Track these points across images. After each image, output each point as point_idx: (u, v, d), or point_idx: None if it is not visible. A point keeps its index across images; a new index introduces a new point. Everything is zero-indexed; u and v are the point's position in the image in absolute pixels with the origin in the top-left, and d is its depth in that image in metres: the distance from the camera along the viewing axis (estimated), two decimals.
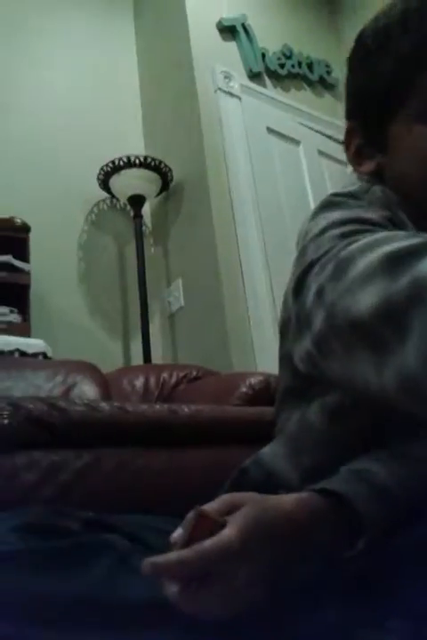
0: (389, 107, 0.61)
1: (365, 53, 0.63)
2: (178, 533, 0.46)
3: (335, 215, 0.55)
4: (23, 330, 2.21)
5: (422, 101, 0.58)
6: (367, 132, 0.65)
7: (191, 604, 0.43)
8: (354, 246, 0.47)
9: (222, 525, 0.44)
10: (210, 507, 0.47)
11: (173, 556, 0.43)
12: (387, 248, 0.43)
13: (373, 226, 0.52)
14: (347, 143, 0.67)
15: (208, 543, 0.42)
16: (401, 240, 0.43)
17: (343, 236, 0.51)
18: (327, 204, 0.59)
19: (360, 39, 0.65)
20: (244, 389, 1.42)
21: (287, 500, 0.48)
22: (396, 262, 0.41)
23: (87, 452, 1.00)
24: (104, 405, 1.10)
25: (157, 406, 1.19)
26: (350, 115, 0.67)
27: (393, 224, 0.56)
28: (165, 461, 1.03)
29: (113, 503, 0.95)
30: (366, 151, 0.65)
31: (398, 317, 0.39)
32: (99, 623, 0.45)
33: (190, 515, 0.45)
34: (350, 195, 0.60)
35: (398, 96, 0.60)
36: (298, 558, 0.46)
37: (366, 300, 0.42)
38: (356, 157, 0.66)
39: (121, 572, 0.50)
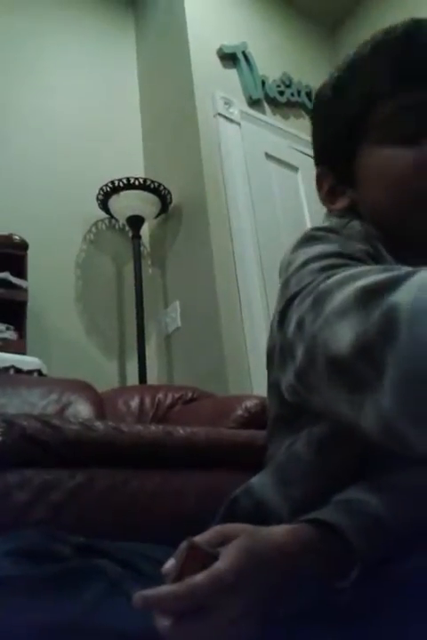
0: (351, 143, 0.65)
1: (324, 104, 0.69)
2: (170, 565, 0.45)
3: (316, 249, 0.56)
4: (19, 347, 2.20)
5: (379, 128, 0.61)
6: (336, 172, 0.68)
7: (183, 637, 0.42)
8: (332, 280, 0.48)
9: (215, 557, 0.43)
10: (202, 538, 0.46)
11: (164, 589, 0.42)
12: (362, 282, 0.44)
13: (352, 260, 0.53)
14: (319, 186, 0.70)
15: (200, 577, 0.42)
16: (376, 274, 0.44)
17: (323, 269, 0.52)
18: (308, 238, 0.60)
19: (319, 94, 0.70)
20: (240, 412, 1.41)
21: (279, 531, 0.48)
22: (370, 296, 0.42)
23: (81, 472, 1.00)
24: (99, 425, 1.09)
25: (153, 427, 1.18)
26: (319, 160, 0.71)
27: (372, 257, 0.57)
28: (159, 483, 1.02)
29: (106, 524, 0.94)
30: (338, 189, 0.68)
31: (373, 354, 0.40)
32: None
33: (182, 546, 0.44)
34: (330, 229, 0.62)
35: (357, 131, 0.64)
36: (290, 590, 0.45)
37: (343, 334, 0.43)
38: (329, 197, 0.69)
39: (112, 598, 0.50)
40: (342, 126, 0.66)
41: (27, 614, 0.45)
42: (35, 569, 0.50)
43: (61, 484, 0.95)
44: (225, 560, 0.43)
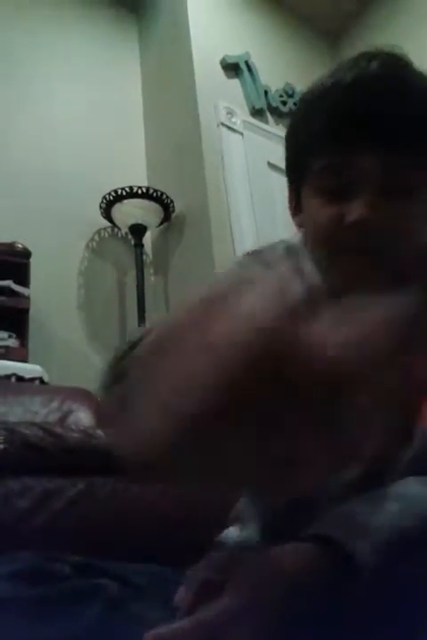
0: (297, 178, 0.69)
1: (286, 134, 0.71)
2: (182, 596, 0.47)
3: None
4: (21, 355, 2.20)
5: (312, 178, 0.64)
6: (293, 194, 0.72)
7: None
8: None
9: (224, 585, 0.45)
10: (209, 564, 0.48)
11: (176, 627, 0.43)
12: None
13: None
14: (289, 200, 0.73)
15: (209, 613, 0.43)
16: None
17: None
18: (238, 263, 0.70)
19: (295, 110, 0.72)
20: None
21: (284, 552, 0.47)
22: None
23: (82, 480, 1.00)
24: (100, 433, 1.09)
25: None
26: (287, 177, 0.74)
27: None
28: (159, 491, 1.02)
29: (107, 532, 0.94)
30: (297, 208, 0.71)
31: None
32: None
33: (194, 579, 0.46)
34: (255, 253, 0.72)
35: (300, 172, 0.67)
36: (299, 610, 0.45)
37: None
38: (292, 212, 0.73)
39: (112, 617, 0.50)
40: (292, 161, 0.70)
41: (28, 636, 0.46)
42: (34, 590, 0.51)
43: (62, 491, 0.96)
44: (233, 592, 0.44)
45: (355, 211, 0.58)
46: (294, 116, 0.70)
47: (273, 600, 0.44)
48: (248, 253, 0.73)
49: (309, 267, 0.64)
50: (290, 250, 0.70)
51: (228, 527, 0.74)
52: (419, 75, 0.65)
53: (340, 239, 0.60)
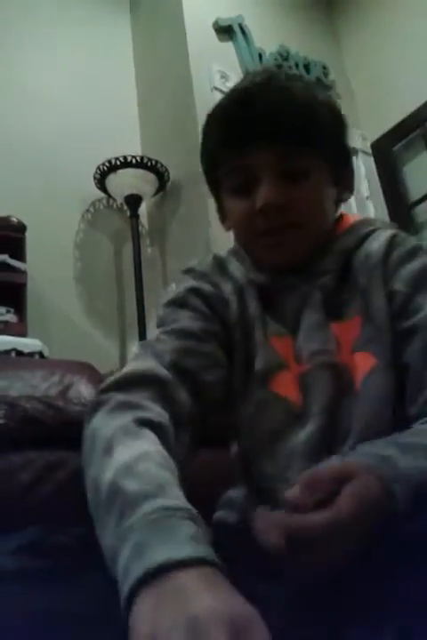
0: (215, 185, 0.82)
1: (201, 150, 0.83)
2: (294, 494, 0.48)
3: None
4: (19, 329, 2.20)
5: (223, 181, 0.78)
6: (216, 203, 0.85)
7: (289, 560, 0.46)
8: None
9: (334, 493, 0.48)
10: (324, 472, 0.50)
11: (292, 518, 0.46)
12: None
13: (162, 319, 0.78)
14: (217, 211, 0.87)
15: (320, 516, 0.46)
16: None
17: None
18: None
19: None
20: None
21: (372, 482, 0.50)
22: None
23: None
24: None
25: None
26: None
27: (197, 292, 0.79)
28: None
29: None
30: (224, 215, 0.84)
31: None
32: (99, 637, 0.46)
33: (307, 478, 0.49)
34: (188, 271, 0.85)
35: (215, 179, 0.81)
36: (375, 536, 0.49)
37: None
38: (221, 219, 0.86)
39: (117, 586, 0.51)
40: (208, 174, 0.83)
41: (36, 607, 0.47)
42: (39, 562, 0.52)
43: (65, 463, 0.96)
44: (343, 505, 0.46)
45: (259, 198, 0.72)
46: (202, 135, 0.82)
47: (369, 526, 0.48)
48: (184, 271, 0.86)
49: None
50: (217, 259, 0.85)
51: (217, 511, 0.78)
52: (296, 81, 0.79)
53: (254, 224, 0.74)
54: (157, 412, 0.62)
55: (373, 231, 0.80)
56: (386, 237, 0.77)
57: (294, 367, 0.74)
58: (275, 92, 0.74)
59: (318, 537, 0.45)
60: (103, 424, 0.62)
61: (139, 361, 0.71)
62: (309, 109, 0.74)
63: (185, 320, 0.76)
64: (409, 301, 0.71)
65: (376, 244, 0.77)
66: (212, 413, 0.73)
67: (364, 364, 0.71)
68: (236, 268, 0.82)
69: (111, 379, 0.68)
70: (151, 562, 0.41)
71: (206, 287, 0.80)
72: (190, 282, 0.81)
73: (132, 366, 0.70)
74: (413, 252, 0.75)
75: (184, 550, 0.41)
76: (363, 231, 0.80)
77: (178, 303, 0.79)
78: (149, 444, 0.56)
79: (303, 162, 0.74)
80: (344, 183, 0.82)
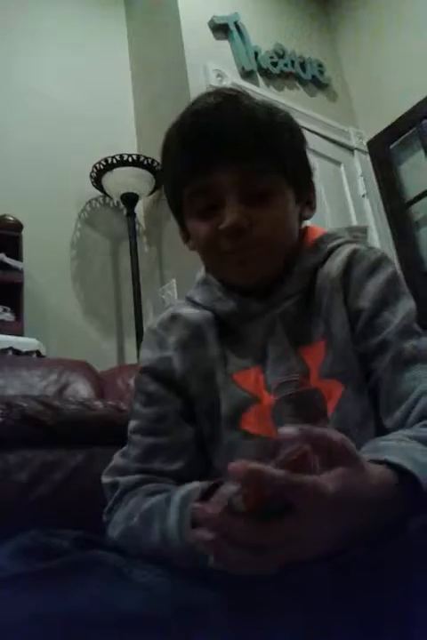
0: (177, 208, 0.82)
1: (162, 174, 0.86)
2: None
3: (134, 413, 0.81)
4: (16, 328, 2.20)
5: (185, 205, 0.78)
6: (180, 225, 0.85)
7: (260, 534, 0.43)
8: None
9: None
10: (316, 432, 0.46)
11: (270, 468, 0.43)
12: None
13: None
14: (180, 232, 0.86)
15: (309, 478, 0.43)
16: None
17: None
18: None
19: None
20: None
21: (373, 471, 0.48)
22: None
23: (81, 451, 1.01)
24: (98, 404, 1.10)
25: None
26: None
27: (146, 370, 0.80)
28: None
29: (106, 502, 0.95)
30: (186, 236, 0.84)
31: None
32: (97, 636, 0.47)
33: (296, 447, 0.44)
34: (147, 328, 0.87)
35: (177, 203, 0.80)
36: (370, 529, 0.47)
37: None
38: (184, 239, 0.86)
39: (115, 584, 0.51)
40: (169, 200, 0.84)
41: (34, 609, 0.47)
42: (36, 565, 0.52)
43: (62, 463, 0.96)
44: (331, 483, 0.44)
45: (224, 221, 0.71)
46: (162, 158, 0.83)
47: (355, 512, 0.45)
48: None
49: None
50: (172, 313, 0.84)
51: None
52: (252, 101, 0.77)
53: (219, 245, 0.74)
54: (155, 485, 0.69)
55: (337, 247, 0.79)
56: (346, 254, 0.76)
57: (267, 398, 0.73)
58: (230, 112, 0.73)
59: (296, 498, 0.43)
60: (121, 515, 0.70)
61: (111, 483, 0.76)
62: (267, 128, 0.74)
63: (141, 409, 0.79)
64: (376, 316, 0.70)
65: (336, 262, 0.76)
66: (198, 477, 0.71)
67: (332, 392, 0.70)
68: (189, 311, 0.83)
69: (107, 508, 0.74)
70: None
71: (152, 358, 0.81)
72: (142, 352, 0.84)
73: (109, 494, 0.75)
74: (375, 267, 0.74)
75: None
76: (327, 247, 0.79)
77: (136, 386, 0.83)
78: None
79: (265, 181, 0.74)
80: (307, 201, 0.82)
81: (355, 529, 0.46)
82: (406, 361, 0.66)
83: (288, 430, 0.44)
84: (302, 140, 0.81)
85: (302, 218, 0.81)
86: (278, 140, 0.75)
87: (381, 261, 0.75)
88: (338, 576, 0.51)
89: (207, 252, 0.79)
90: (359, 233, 0.84)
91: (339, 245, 0.79)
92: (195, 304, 0.84)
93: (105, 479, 0.76)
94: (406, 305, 0.71)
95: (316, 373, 0.72)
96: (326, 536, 0.44)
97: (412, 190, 3.16)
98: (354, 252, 0.76)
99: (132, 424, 0.79)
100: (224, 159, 0.71)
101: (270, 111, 0.77)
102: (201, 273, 0.89)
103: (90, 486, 0.98)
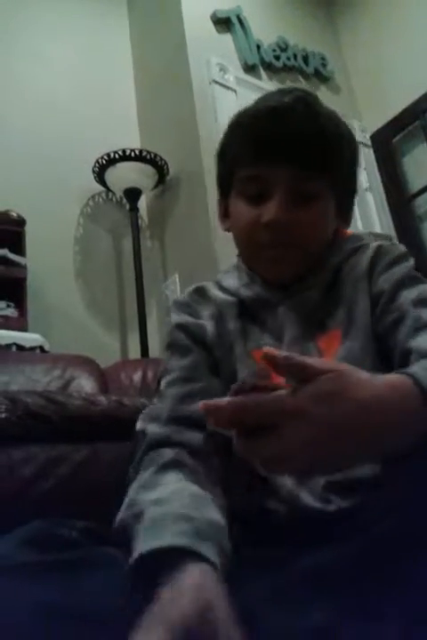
0: (226, 186, 0.85)
1: (220, 148, 0.87)
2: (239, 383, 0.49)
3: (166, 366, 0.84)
4: (20, 324, 2.20)
5: (237, 187, 0.82)
6: (222, 202, 0.88)
7: (248, 451, 0.46)
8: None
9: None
10: (313, 362, 0.49)
11: (226, 400, 0.47)
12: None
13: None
14: (218, 207, 0.90)
15: (266, 396, 0.46)
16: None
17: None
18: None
19: (224, 133, 0.87)
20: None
21: (375, 378, 0.50)
22: None
23: (85, 446, 1.01)
24: (102, 399, 1.10)
25: (155, 399, 1.19)
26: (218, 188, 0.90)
27: (180, 327, 0.84)
28: None
29: (111, 497, 0.95)
30: (225, 214, 0.89)
31: None
32: (100, 631, 0.47)
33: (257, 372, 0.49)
34: (174, 303, 0.91)
35: (229, 181, 0.84)
36: (372, 436, 0.47)
37: None
38: (221, 217, 0.90)
39: (117, 583, 0.52)
40: (222, 174, 0.87)
41: (38, 599, 0.47)
42: (43, 556, 0.53)
43: (66, 458, 0.97)
44: (293, 389, 0.46)
45: (268, 212, 0.76)
46: (224, 136, 0.85)
47: (337, 408, 0.46)
48: (172, 304, 0.92)
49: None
50: (197, 288, 0.90)
51: None
52: (323, 109, 0.80)
53: (257, 235, 0.78)
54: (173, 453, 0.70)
55: (361, 246, 0.83)
56: (373, 249, 0.81)
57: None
58: (303, 116, 0.76)
59: (265, 418, 0.45)
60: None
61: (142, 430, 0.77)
62: (332, 140, 0.78)
63: (176, 362, 0.82)
64: (394, 296, 0.74)
65: (363, 257, 0.81)
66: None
67: None
68: (216, 293, 0.88)
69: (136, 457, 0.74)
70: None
71: (187, 319, 0.86)
72: (175, 316, 0.88)
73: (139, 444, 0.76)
74: (398, 259, 0.79)
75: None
76: (352, 246, 0.84)
77: (169, 345, 0.86)
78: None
79: (316, 186, 0.77)
80: (344, 216, 0.86)
81: (366, 436, 0.46)
82: (425, 324, 0.67)
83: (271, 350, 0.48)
84: (357, 161, 0.85)
85: (336, 231, 0.85)
86: (339, 153, 0.79)
87: (404, 255, 0.81)
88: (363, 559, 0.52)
89: (245, 238, 0.82)
90: (384, 240, 0.88)
91: (362, 245, 0.84)
92: (221, 288, 0.89)
93: (139, 425, 0.78)
94: (424, 287, 0.75)
95: (331, 359, 0.74)
96: (321, 433, 0.45)
97: (415, 184, 3.15)
98: (380, 246, 0.82)
99: (167, 379, 0.81)
100: (285, 156, 0.75)
101: (338, 125, 0.81)
102: (234, 260, 0.94)
103: (94, 481, 0.98)
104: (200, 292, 0.89)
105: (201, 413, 0.73)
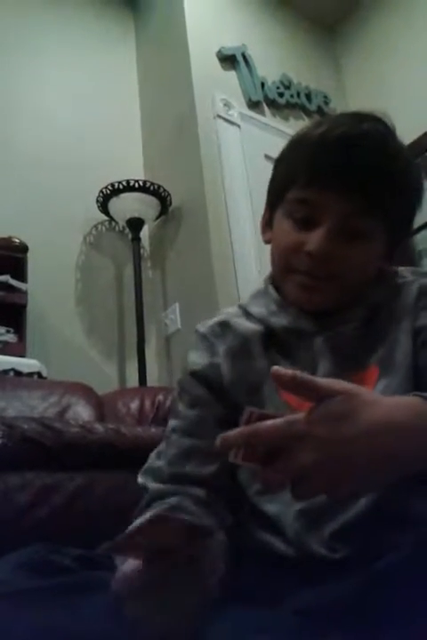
0: (275, 200, 0.81)
1: (280, 155, 0.83)
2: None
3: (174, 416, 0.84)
4: (19, 350, 2.20)
5: (286, 205, 0.77)
6: (268, 212, 0.85)
7: (266, 478, 0.46)
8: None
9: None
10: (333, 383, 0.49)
11: (240, 429, 0.47)
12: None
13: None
14: (263, 215, 0.87)
15: (276, 420, 0.46)
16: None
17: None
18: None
19: (286, 144, 0.83)
20: None
21: (386, 401, 0.49)
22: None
23: (81, 475, 1.00)
24: (98, 427, 1.09)
25: (152, 429, 1.19)
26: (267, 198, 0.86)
27: (194, 374, 0.82)
28: None
29: (106, 526, 0.94)
30: (268, 225, 0.85)
31: None
32: None
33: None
34: (195, 331, 0.88)
35: (279, 196, 0.79)
36: (385, 457, 0.46)
37: None
38: (263, 227, 0.87)
39: (114, 609, 0.51)
40: (276, 184, 0.82)
41: (34, 625, 0.47)
42: (39, 582, 0.52)
43: (62, 486, 0.96)
44: (304, 412, 0.46)
45: (312, 242, 0.72)
46: (286, 147, 0.81)
47: (348, 430, 0.46)
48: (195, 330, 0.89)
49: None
50: (221, 321, 0.85)
51: None
52: (396, 143, 0.75)
53: (297, 260, 0.75)
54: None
55: (404, 284, 0.80)
56: (416, 288, 0.78)
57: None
58: (375, 148, 0.71)
59: (274, 442, 0.46)
60: None
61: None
62: (398, 180, 0.73)
63: (183, 410, 0.81)
64: None
65: (406, 295, 0.77)
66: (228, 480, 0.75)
67: None
68: (241, 322, 0.83)
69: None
70: None
71: (201, 362, 0.83)
72: (192, 355, 0.85)
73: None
74: None
75: None
76: (394, 283, 0.80)
77: (180, 387, 0.85)
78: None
79: (368, 225, 0.73)
80: (391, 257, 0.81)
81: (379, 457, 0.46)
82: None
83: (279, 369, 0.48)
84: (419, 206, 0.80)
85: (380, 269, 0.80)
86: (402, 196, 0.74)
87: None
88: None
89: (282, 258, 0.78)
90: (425, 277, 0.84)
91: (406, 282, 0.80)
92: (248, 315, 0.84)
93: (140, 479, 0.78)
94: None
95: None
96: (330, 462, 0.45)
97: (416, 220, 3.17)
98: (423, 284, 0.78)
99: (173, 423, 0.81)
100: (344, 186, 0.71)
101: (408, 165, 0.76)
102: (261, 283, 0.89)
103: (89, 511, 0.97)
104: (222, 325, 0.84)
105: (201, 474, 0.72)
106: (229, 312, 0.88)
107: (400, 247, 0.83)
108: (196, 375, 0.82)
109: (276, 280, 0.83)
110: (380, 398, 0.49)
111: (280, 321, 0.79)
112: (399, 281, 0.80)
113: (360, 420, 0.46)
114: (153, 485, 0.74)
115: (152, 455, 0.81)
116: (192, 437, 0.77)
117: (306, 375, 0.47)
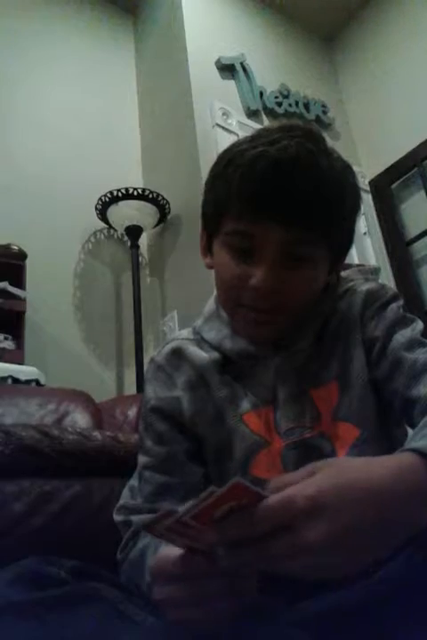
0: (211, 228, 0.78)
1: (209, 177, 0.79)
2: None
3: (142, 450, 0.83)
4: (17, 357, 2.20)
5: (223, 235, 0.73)
6: (205, 237, 0.82)
7: (263, 558, 0.42)
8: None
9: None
10: (291, 476, 0.45)
11: (232, 517, 0.42)
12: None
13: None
14: (200, 240, 0.84)
15: (273, 498, 0.41)
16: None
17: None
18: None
19: (214, 164, 0.78)
20: None
21: (382, 463, 0.46)
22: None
23: (78, 482, 1.00)
24: (96, 435, 1.09)
25: None
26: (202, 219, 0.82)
27: (155, 410, 0.80)
28: None
29: (104, 534, 0.94)
30: (207, 249, 0.82)
31: None
32: None
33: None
34: (150, 361, 0.86)
35: (214, 225, 0.76)
36: (391, 527, 0.43)
37: None
38: (202, 251, 0.84)
39: (110, 620, 0.51)
40: (207, 211, 0.79)
41: (29, 637, 0.47)
42: (34, 594, 0.52)
43: (59, 494, 0.95)
44: (301, 487, 0.42)
45: (256, 277, 0.68)
46: (215, 168, 0.76)
47: (351, 503, 0.42)
48: (150, 360, 0.87)
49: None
50: (175, 349, 0.83)
51: None
52: (328, 159, 0.70)
53: (240, 293, 0.71)
54: None
55: (348, 290, 0.80)
56: (361, 298, 0.77)
57: (277, 441, 0.72)
58: (307, 173, 0.67)
59: (274, 521, 0.41)
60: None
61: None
62: (336, 198, 0.69)
63: (151, 446, 0.79)
64: (387, 342, 0.72)
65: (353, 306, 0.77)
66: None
67: (346, 435, 0.69)
68: (195, 351, 0.81)
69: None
70: None
71: (161, 395, 0.81)
72: (148, 389, 0.82)
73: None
74: (387, 302, 0.76)
75: None
76: (340, 290, 0.80)
77: (145, 423, 0.82)
78: None
79: (308, 250, 0.70)
80: (337, 269, 0.80)
81: (375, 523, 0.42)
82: (422, 367, 0.66)
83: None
84: (358, 213, 0.76)
85: (326, 283, 0.78)
86: (340, 217, 0.71)
87: (393, 298, 0.77)
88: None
89: (226, 291, 0.75)
90: (370, 274, 0.85)
91: (349, 289, 0.80)
92: (202, 340, 0.83)
93: (117, 517, 0.77)
94: (416, 327, 0.73)
95: (328, 416, 0.71)
96: (332, 533, 0.41)
97: (413, 229, 3.19)
98: (368, 292, 0.78)
99: (143, 460, 0.80)
100: (280, 216, 0.67)
101: (342, 176, 0.71)
102: (212, 304, 0.87)
103: (86, 518, 0.97)
104: (177, 354, 0.82)
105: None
106: (183, 337, 0.86)
107: (344, 259, 0.80)
108: (156, 411, 0.80)
109: (224, 310, 0.81)
110: (364, 462, 0.46)
111: (234, 346, 0.78)
112: (346, 287, 0.80)
113: (358, 488, 0.43)
114: (136, 518, 0.74)
115: (125, 493, 0.80)
116: (165, 475, 0.76)
117: (274, 480, 0.44)
